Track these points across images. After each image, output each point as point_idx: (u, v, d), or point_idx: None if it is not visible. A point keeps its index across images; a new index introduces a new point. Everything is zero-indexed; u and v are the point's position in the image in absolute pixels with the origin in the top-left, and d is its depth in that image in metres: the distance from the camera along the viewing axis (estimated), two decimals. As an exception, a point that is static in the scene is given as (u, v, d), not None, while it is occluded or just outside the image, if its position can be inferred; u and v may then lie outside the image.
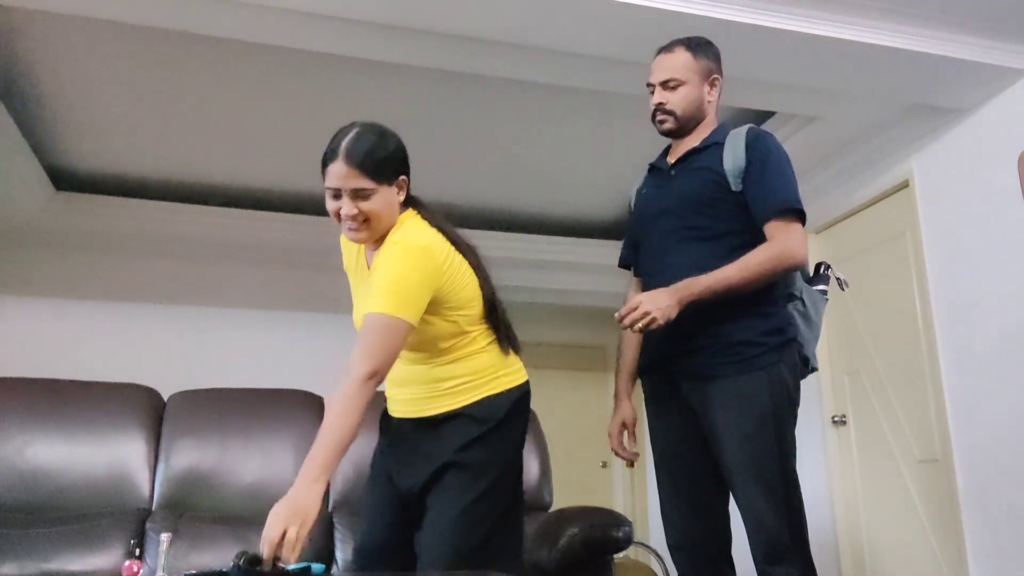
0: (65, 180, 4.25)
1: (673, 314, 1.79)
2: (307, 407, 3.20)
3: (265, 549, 1.38)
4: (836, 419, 3.81)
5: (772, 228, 1.87)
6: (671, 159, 2.06)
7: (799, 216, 1.88)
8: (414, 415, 1.77)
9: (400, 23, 2.58)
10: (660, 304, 1.78)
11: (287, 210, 4.65)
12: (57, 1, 2.47)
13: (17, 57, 3.15)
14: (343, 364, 1.62)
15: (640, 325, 1.78)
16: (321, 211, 5.31)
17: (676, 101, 1.99)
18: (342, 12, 2.51)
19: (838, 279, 2.12)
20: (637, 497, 6.19)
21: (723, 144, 1.96)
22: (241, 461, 2.95)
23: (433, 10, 2.51)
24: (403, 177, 1.70)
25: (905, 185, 3.51)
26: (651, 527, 5.63)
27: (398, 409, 1.82)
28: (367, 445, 3.17)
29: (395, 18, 2.55)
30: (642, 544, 4.57)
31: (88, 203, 4.32)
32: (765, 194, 1.88)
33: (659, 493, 2.02)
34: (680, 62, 2.00)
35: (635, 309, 1.79)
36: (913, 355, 3.38)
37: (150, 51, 3.14)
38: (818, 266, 2.10)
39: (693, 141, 2.02)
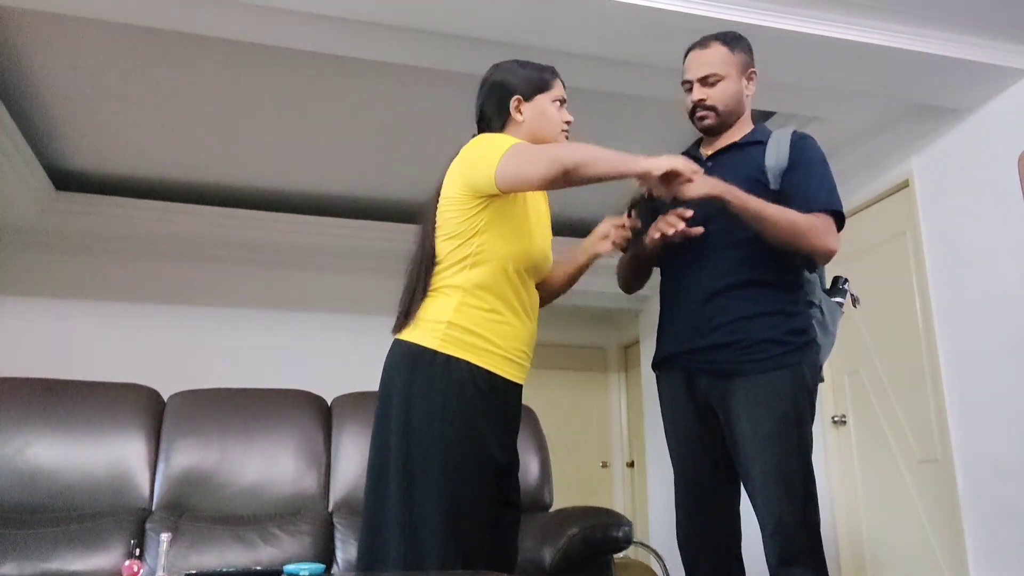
0: (65, 180, 4.25)
1: (705, 190, 1.75)
2: (307, 407, 3.20)
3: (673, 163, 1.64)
4: (836, 419, 3.81)
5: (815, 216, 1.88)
6: (706, 151, 2.04)
7: (838, 219, 1.90)
8: (524, 382, 1.82)
9: (400, 23, 2.58)
10: (705, 179, 1.75)
11: (288, 210, 4.65)
12: (57, 1, 2.47)
13: (17, 57, 3.15)
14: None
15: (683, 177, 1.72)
16: (320, 211, 5.30)
17: (717, 96, 1.96)
18: (342, 12, 2.51)
19: (852, 295, 2.13)
20: (637, 497, 6.19)
21: (765, 143, 1.95)
22: (241, 461, 2.95)
23: (433, 10, 2.52)
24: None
25: (905, 185, 3.51)
26: (651, 527, 5.63)
27: (524, 376, 1.80)
28: (366, 449, 3.16)
29: (395, 18, 2.55)
30: (642, 544, 4.57)
31: (88, 203, 4.32)
32: (809, 192, 1.89)
33: (674, 490, 2.00)
34: (719, 56, 1.96)
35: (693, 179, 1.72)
36: (913, 355, 3.38)
37: (150, 51, 3.14)
38: (836, 279, 2.10)
39: (732, 136, 2.00)
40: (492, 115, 1.83)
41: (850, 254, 3.72)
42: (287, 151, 3.99)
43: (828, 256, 1.89)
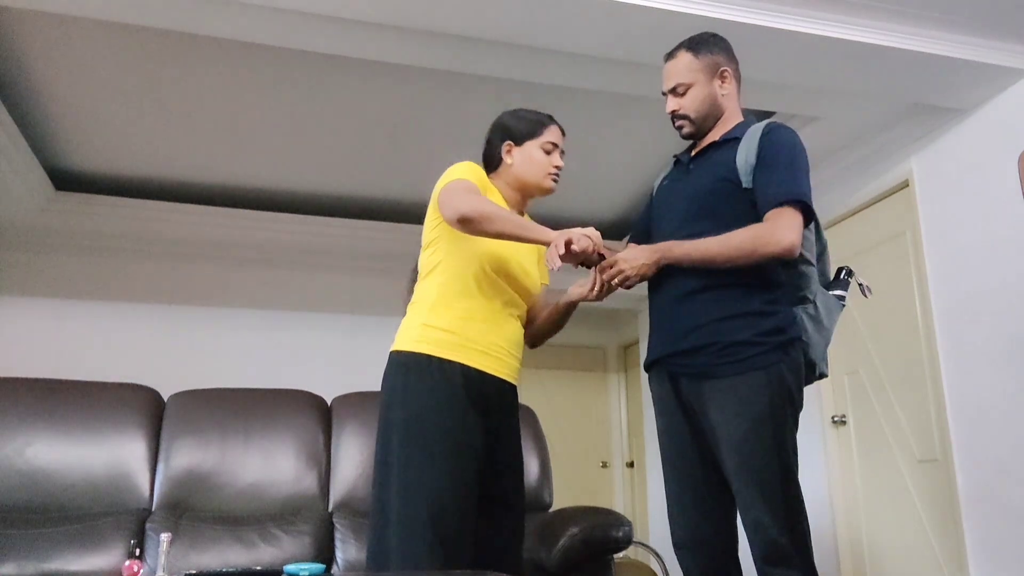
0: (65, 180, 4.26)
1: (648, 272, 1.87)
2: (307, 407, 3.20)
3: (581, 237, 1.71)
4: (836, 419, 3.81)
5: (768, 215, 1.84)
6: (693, 152, 2.06)
7: (800, 207, 1.84)
8: (515, 381, 1.91)
9: (400, 23, 2.58)
10: (635, 263, 1.85)
11: (287, 210, 4.66)
12: (57, 1, 2.47)
13: (17, 57, 3.16)
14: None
15: (615, 281, 1.86)
16: (320, 211, 5.30)
17: (688, 104, 1.99)
18: (342, 12, 2.51)
19: (860, 285, 2.09)
20: (637, 497, 6.20)
21: (741, 139, 1.94)
22: (241, 461, 2.95)
23: (433, 10, 2.52)
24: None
25: (905, 185, 3.51)
26: (651, 527, 5.63)
27: (510, 373, 1.89)
28: (366, 449, 3.16)
29: (395, 18, 2.55)
30: (642, 544, 4.57)
31: (88, 203, 4.33)
32: (769, 185, 1.86)
33: (665, 491, 2.00)
34: (683, 65, 1.99)
35: (612, 266, 1.86)
36: (913, 355, 3.38)
37: (150, 51, 3.14)
38: (839, 271, 2.07)
39: (714, 136, 2.02)
40: (491, 154, 2.01)
41: (850, 254, 3.73)
42: (287, 151, 3.99)
43: (788, 253, 1.81)
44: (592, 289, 1.90)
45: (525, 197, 2.02)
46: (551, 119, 2.01)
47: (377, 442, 1.80)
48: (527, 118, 1.99)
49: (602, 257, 1.85)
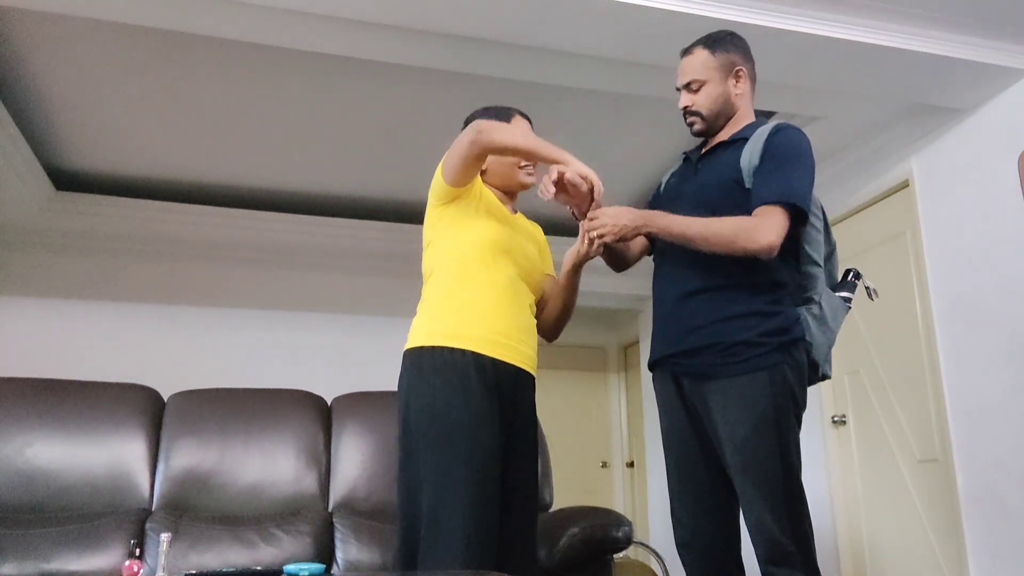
0: (65, 180, 4.26)
1: (627, 234, 1.86)
2: (307, 407, 3.20)
3: (590, 175, 1.76)
4: (836, 419, 3.81)
5: (756, 211, 1.83)
6: (703, 151, 2.06)
7: (789, 209, 1.82)
8: (531, 370, 1.92)
9: (400, 23, 2.58)
10: (616, 220, 1.85)
11: (287, 210, 4.66)
12: (57, 1, 2.47)
13: (17, 57, 3.16)
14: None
15: (592, 234, 1.86)
16: (320, 211, 5.30)
17: (701, 101, 1.98)
18: (342, 12, 2.51)
19: (867, 288, 2.09)
20: (637, 497, 6.20)
21: (748, 140, 1.93)
22: (241, 461, 2.95)
23: (433, 10, 2.52)
24: None
25: (905, 185, 3.51)
26: (651, 527, 5.63)
27: (525, 361, 1.90)
28: (366, 449, 3.17)
29: (395, 18, 2.55)
30: (642, 544, 4.58)
31: (88, 203, 4.33)
32: (764, 183, 1.84)
33: (668, 491, 2.00)
34: (699, 62, 1.98)
35: (595, 219, 1.86)
36: (913, 355, 3.38)
37: (150, 51, 3.14)
38: (847, 272, 2.07)
39: (724, 135, 2.01)
40: None
41: (850, 254, 3.73)
42: (287, 151, 3.99)
43: (765, 252, 1.80)
44: (582, 243, 1.89)
45: (509, 195, 2.03)
46: (514, 112, 2.00)
47: (399, 442, 1.80)
48: (492, 115, 1.99)
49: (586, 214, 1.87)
